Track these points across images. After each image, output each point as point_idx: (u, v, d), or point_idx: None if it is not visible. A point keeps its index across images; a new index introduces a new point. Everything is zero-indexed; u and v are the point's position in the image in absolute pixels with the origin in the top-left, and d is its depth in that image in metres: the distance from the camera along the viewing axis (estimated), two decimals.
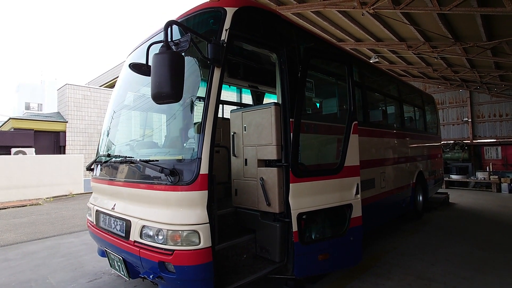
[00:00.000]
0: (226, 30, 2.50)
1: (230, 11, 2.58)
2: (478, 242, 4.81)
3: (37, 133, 14.18)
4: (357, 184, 3.40)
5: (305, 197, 2.89)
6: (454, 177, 11.95)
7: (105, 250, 3.04)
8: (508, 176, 10.95)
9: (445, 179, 11.01)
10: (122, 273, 2.82)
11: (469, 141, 13.26)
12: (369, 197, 4.10)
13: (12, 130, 14.02)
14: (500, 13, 5.38)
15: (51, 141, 14.56)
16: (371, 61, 8.40)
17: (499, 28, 6.60)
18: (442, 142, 9.95)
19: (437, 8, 5.65)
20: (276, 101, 2.96)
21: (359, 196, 3.39)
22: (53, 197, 11.00)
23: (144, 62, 2.44)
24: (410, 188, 5.77)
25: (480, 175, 11.29)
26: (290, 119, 2.85)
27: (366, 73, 4.96)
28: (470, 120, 13.35)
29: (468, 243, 4.79)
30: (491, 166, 12.02)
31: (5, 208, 9.05)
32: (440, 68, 10.75)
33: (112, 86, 15.83)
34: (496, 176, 10.83)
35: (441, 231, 5.51)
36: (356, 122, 3.56)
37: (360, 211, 3.39)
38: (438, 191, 8.42)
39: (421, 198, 6.42)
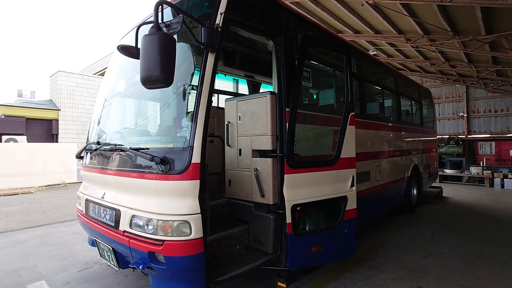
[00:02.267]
0: (221, 14, 2.40)
1: None
2: (470, 236, 4.84)
3: (29, 120, 13.93)
4: (353, 176, 3.36)
5: (300, 189, 2.85)
6: (448, 171, 12.05)
7: (95, 239, 2.98)
8: (501, 171, 11.06)
9: (439, 173, 11.09)
10: (112, 263, 2.77)
11: (464, 136, 13.33)
12: (364, 189, 4.08)
13: (3, 117, 13.74)
14: (501, 6, 5.31)
15: (43, 129, 14.32)
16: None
17: (498, 22, 6.53)
18: (437, 137, 9.98)
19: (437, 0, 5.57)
20: (272, 90, 2.88)
21: (354, 188, 3.36)
22: (46, 186, 10.87)
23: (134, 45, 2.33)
24: (404, 181, 5.77)
25: (473, 170, 11.39)
26: (286, 109, 2.78)
27: (364, 65, 4.88)
28: (465, 115, 13.40)
29: (460, 236, 4.82)
30: (484, 161, 12.13)
31: None
32: (438, 62, 10.70)
33: None
34: (490, 171, 10.94)
35: (434, 225, 5.55)
36: (353, 113, 3.50)
37: (355, 204, 3.36)
38: (432, 185, 8.47)
39: (415, 191, 6.44)
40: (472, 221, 5.87)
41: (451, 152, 12.95)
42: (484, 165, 11.84)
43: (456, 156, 12.81)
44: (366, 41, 9.69)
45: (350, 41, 8.02)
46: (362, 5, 6.62)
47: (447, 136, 13.43)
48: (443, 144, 13.11)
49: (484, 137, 12.99)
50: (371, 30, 8.44)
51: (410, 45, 8.71)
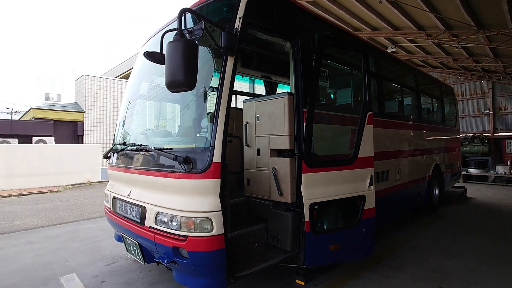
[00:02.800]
0: (239, 18, 2.47)
1: None
2: (495, 238, 4.68)
3: (57, 122, 14.64)
4: (371, 176, 3.35)
5: (318, 188, 2.88)
6: (472, 171, 11.59)
7: (122, 235, 3.15)
8: None
9: (463, 173, 10.70)
10: (138, 257, 2.92)
11: (489, 134, 12.78)
12: (383, 189, 4.04)
13: (33, 119, 14.52)
14: None
15: (69, 131, 15.02)
16: (388, 51, 8.15)
17: None
18: (460, 135, 9.63)
19: None
20: (289, 91, 2.93)
21: (372, 187, 3.35)
22: (72, 185, 11.42)
23: (159, 51, 2.45)
24: (425, 181, 5.64)
25: (500, 169, 10.90)
26: (304, 109, 2.82)
27: (382, 63, 4.82)
28: (491, 112, 12.83)
29: (485, 238, 4.67)
30: None
31: (28, 194, 9.48)
32: (461, 57, 10.32)
33: (127, 76, 16.06)
34: None
35: (457, 226, 5.39)
36: (371, 112, 3.49)
37: (374, 203, 3.35)
38: (455, 185, 8.20)
39: (437, 191, 6.28)
40: (497, 222, 5.65)
41: (475, 151, 12.44)
42: None
43: (481, 155, 12.30)
44: (384, 38, 9.50)
45: (367, 39, 7.91)
46: (380, 2, 6.52)
47: (471, 134, 12.91)
48: (467, 143, 12.62)
49: None
50: (389, 26, 8.28)
51: (431, 41, 8.48)
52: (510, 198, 8.24)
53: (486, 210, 6.73)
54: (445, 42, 8.40)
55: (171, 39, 2.12)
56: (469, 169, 11.68)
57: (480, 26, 7.08)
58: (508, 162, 11.58)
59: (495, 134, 12.77)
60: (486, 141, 12.43)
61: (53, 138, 13.38)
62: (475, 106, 13.41)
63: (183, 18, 2.16)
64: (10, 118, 22.31)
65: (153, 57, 2.46)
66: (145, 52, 2.51)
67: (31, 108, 15.22)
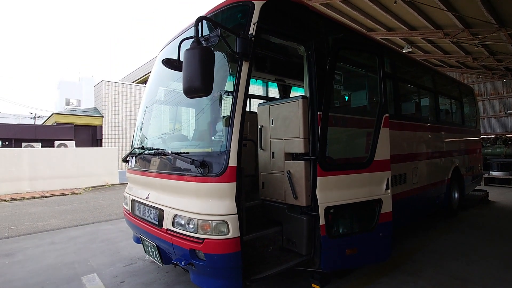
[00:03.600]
0: (254, 23, 2.51)
1: (258, 5, 2.58)
2: None
3: (77, 127, 15.19)
4: (387, 179, 3.30)
5: (333, 191, 2.87)
6: (495, 173, 11.14)
7: (140, 237, 3.23)
8: None
9: (484, 175, 10.31)
10: (156, 259, 2.99)
11: None
12: (400, 192, 3.97)
13: (55, 124, 15.12)
14: None
15: (89, 135, 15.54)
16: (403, 51, 8.00)
17: None
18: (481, 136, 9.30)
19: None
20: (303, 94, 2.94)
21: (389, 191, 3.30)
22: (91, 187, 11.78)
23: (176, 57, 2.53)
24: (444, 184, 5.49)
25: None
26: (318, 112, 2.82)
27: (398, 64, 4.75)
28: None
29: (509, 243, 4.48)
30: None
31: (50, 196, 9.86)
32: (481, 56, 10.00)
33: (144, 81, 16.48)
34: None
35: (478, 231, 5.21)
36: (387, 115, 3.44)
37: (390, 207, 3.30)
38: (476, 188, 7.91)
39: (456, 195, 6.09)
40: None
41: (498, 153, 11.95)
42: None
43: (504, 157, 11.81)
44: (400, 38, 9.34)
45: (382, 40, 7.80)
46: (395, 2, 6.44)
47: (493, 136, 12.43)
48: (488, 144, 12.16)
49: None
50: (405, 26, 8.14)
51: (449, 40, 8.27)
52: None
53: (510, 215, 6.45)
54: (464, 41, 8.17)
55: (188, 46, 2.18)
56: (491, 172, 11.24)
57: (502, 24, 6.85)
58: None
59: None
60: (509, 142, 11.93)
61: (73, 142, 13.88)
62: (497, 106, 12.93)
63: (199, 25, 2.22)
64: (33, 123, 23.30)
65: (171, 64, 2.53)
66: (163, 60, 2.59)
67: (53, 113, 15.88)
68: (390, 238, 3.37)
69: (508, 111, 12.52)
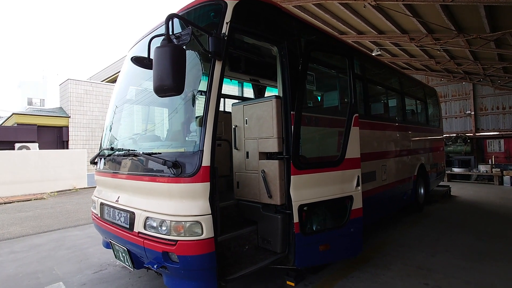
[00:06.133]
0: (226, 23, 2.50)
1: (231, 4, 2.58)
2: (479, 234, 4.84)
3: (40, 128, 14.27)
4: (358, 176, 3.43)
5: (306, 189, 2.93)
6: (456, 170, 11.95)
7: (110, 241, 3.10)
8: (511, 169, 10.93)
9: (447, 172, 11.01)
10: (127, 263, 2.88)
11: (471, 134, 13.22)
12: (370, 189, 4.13)
13: (15, 125, 14.11)
14: (504, 4, 5.33)
15: (54, 136, 14.66)
16: (373, 54, 8.35)
17: (502, 19, 6.54)
18: (444, 135, 9.93)
19: None
20: (277, 94, 2.98)
21: (359, 188, 3.42)
22: (57, 192, 11.12)
23: (146, 56, 2.46)
24: (411, 181, 5.79)
25: (482, 168, 11.28)
26: (291, 112, 2.87)
27: (368, 66, 4.95)
28: (473, 113, 13.30)
29: (469, 235, 4.82)
30: (493, 159, 12.00)
31: (11, 202, 9.17)
32: (443, 60, 10.68)
33: (113, 80, 15.85)
34: (499, 169, 10.82)
35: (442, 223, 5.55)
36: (357, 115, 3.57)
37: (361, 203, 3.42)
38: (439, 184, 8.44)
39: (422, 191, 6.45)
40: (481, 219, 5.85)
41: (459, 151, 12.84)
42: (493, 163, 11.71)
43: (464, 155, 12.70)
44: (370, 41, 9.74)
45: (353, 42, 8.07)
46: (364, 7, 6.70)
47: (455, 135, 13.33)
48: (450, 143, 13.02)
49: (493, 134, 12.87)
50: (374, 30, 8.50)
51: (414, 45, 8.74)
52: (492, 195, 8.54)
53: (470, 208, 6.95)
54: (427, 45, 8.68)
55: (159, 44, 2.13)
56: (453, 168, 12.03)
57: (460, 30, 7.36)
58: (490, 160, 12.00)
59: (476, 134, 13.22)
60: (468, 140, 12.85)
61: (37, 144, 13.02)
62: (458, 107, 13.87)
63: (170, 23, 2.17)
64: None
65: (141, 62, 2.46)
66: (132, 57, 2.51)
67: (13, 114, 14.79)
68: (361, 234, 3.50)
69: (467, 112, 13.46)
